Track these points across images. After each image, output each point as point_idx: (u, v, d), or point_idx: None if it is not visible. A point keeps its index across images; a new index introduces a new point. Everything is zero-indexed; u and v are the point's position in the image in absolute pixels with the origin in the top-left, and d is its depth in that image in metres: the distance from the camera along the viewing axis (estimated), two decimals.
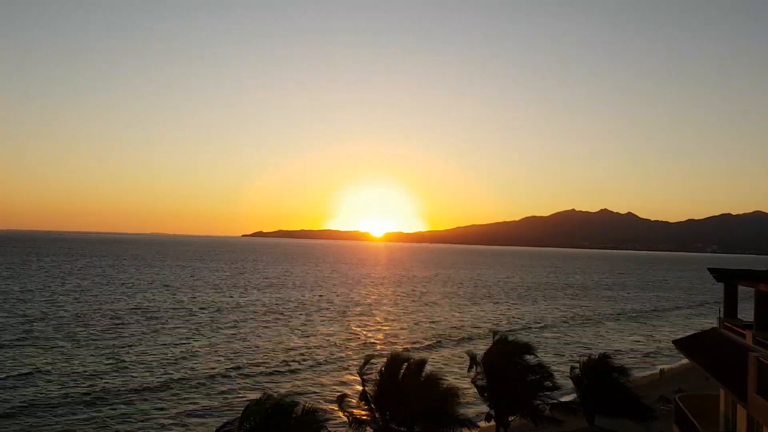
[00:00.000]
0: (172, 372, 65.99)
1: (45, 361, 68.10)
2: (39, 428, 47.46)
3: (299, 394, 57.10)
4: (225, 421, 26.69)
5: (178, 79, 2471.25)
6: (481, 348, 50.76)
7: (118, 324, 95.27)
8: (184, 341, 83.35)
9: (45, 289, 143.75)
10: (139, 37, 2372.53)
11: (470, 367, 41.71)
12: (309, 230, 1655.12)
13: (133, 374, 64.31)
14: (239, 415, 25.00)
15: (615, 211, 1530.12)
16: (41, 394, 55.79)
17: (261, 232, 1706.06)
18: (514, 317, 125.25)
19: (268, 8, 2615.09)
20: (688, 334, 39.89)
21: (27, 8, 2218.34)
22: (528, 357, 42.37)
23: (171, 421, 50.89)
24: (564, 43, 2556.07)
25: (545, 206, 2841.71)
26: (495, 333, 44.26)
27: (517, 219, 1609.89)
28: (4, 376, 61.09)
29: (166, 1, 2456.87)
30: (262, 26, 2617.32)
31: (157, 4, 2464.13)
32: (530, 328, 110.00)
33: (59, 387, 58.09)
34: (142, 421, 50.50)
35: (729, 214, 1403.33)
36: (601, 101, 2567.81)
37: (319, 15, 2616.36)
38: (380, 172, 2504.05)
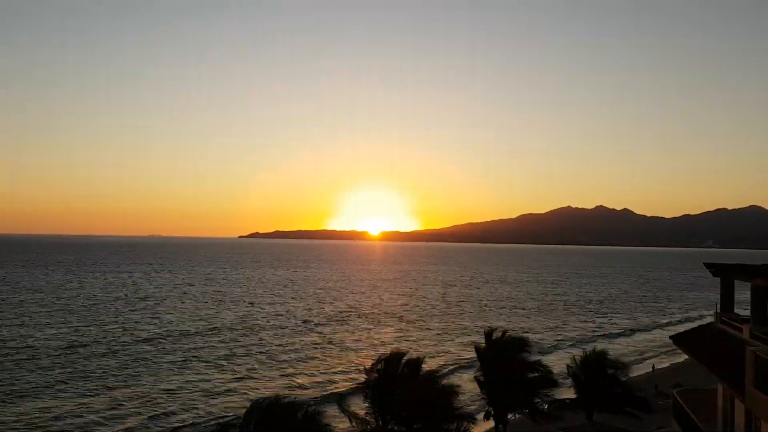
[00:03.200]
0: (173, 370, 66.12)
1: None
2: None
3: (300, 392, 57.20)
4: (226, 419, 26.62)
5: (174, 80, 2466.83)
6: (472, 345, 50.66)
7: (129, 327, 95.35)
8: (188, 339, 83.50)
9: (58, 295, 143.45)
10: (138, 39, 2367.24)
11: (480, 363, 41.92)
12: (306, 230, 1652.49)
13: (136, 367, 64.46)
14: (236, 413, 25.01)
15: (611, 207, 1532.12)
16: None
17: (257, 233, 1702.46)
18: (510, 313, 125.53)
19: (266, 9, 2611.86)
20: (685, 329, 39.96)
21: (27, 8, 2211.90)
22: (525, 354, 42.42)
23: (172, 416, 51.04)
24: (558, 40, 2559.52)
25: (541, 203, 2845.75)
26: (491, 330, 44.29)
27: (513, 216, 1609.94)
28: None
29: (166, 2, 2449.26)
30: (257, 28, 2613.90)
31: (158, 6, 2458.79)
32: (527, 324, 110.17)
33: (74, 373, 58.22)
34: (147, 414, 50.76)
35: (725, 208, 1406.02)
36: (595, 97, 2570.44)
37: (316, 16, 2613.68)
38: (376, 171, 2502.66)
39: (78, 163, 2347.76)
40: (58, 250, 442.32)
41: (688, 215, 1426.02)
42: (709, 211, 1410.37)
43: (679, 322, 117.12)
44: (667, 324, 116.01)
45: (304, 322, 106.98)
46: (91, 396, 57.06)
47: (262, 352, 79.12)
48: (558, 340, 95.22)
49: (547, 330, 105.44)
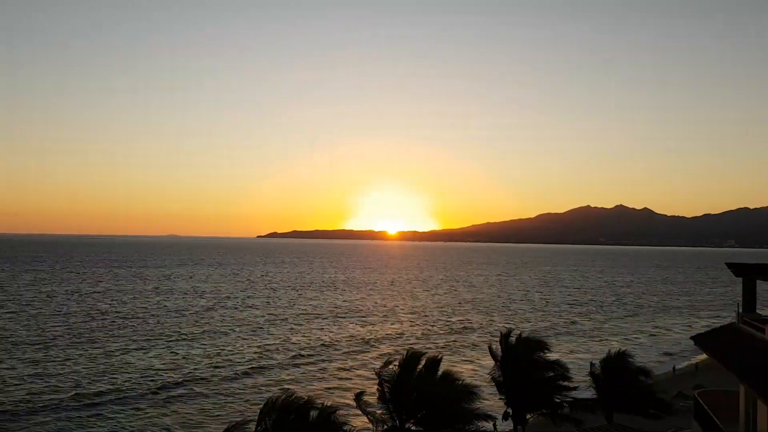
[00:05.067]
0: (191, 369, 66.55)
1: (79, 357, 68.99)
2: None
3: (317, 391, 57.39)
4: (240, 419, 26.75)
5: (189, 80, 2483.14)
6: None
7: (138, 324, 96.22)
8: (203, 338, 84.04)
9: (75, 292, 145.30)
10: (146, 39, 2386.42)
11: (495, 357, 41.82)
12: (323, 230, 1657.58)
13: (154, 370, 64.96)
14: (256, 413, 25.15)
15: (631, 206, 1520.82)
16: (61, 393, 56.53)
17: (275, 232, 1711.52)
18: (529, 314, 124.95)
19: (281, 9, 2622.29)
20: (706, 329, 39.53)
21: (28, 8, 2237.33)
22: (544, 354, 42.22)
23: (187, 419, 51.35)
24: (576, 38, 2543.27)
25: (560, 203, 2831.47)
26: (510, 330, 44.15)
27: (532, 216, 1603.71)
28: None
29: (173, 1, 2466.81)
30: (272, 26, 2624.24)
31: (164, 5, 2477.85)
32: (547, 325, 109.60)
33: (82, 382, 58.83)
34: (158, 417, 51.12)
35: (746, 208, 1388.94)
36: (615, 97, 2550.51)
37: (332, 16, 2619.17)
38: (394, 171, 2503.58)
39: (99, 164, 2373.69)
40: (87, 251, 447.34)
41: (709, 215, 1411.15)
42: (731, 211, 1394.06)
43: (701, 322, 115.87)
44: (688, 324, 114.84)
45: (322, 320, 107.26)
46: (101, 392, 57.68)
47: (278, 350, 79.45)
48: (578, 340, 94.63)
49: (566, 330, 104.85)
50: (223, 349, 79.65)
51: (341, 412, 28.07)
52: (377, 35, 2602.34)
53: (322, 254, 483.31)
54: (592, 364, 46.14)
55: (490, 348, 43.51)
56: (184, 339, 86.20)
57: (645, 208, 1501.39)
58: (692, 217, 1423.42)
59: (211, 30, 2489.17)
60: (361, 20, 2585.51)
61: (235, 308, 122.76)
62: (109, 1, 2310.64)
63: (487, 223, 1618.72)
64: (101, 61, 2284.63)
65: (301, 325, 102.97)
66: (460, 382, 35.95)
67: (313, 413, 25.63)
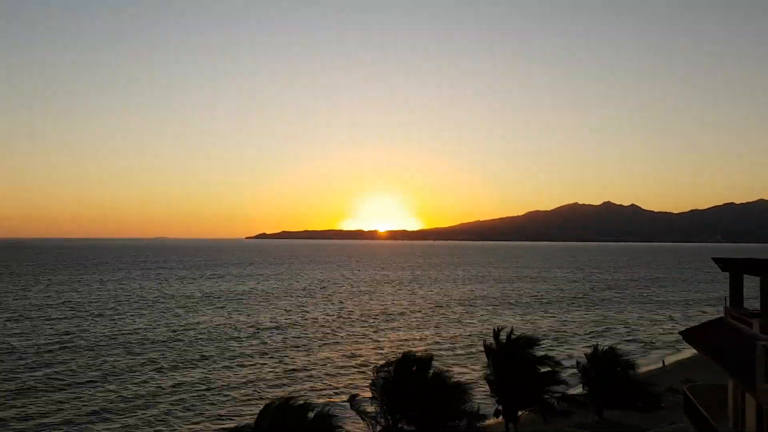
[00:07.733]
0: (186, 371, 66.32)
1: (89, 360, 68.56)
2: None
3: (313, 393, 57.31)
4: (238, 421, 26.73)
5: (182, 83, 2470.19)
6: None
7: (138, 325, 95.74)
8: (202, 337, 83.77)
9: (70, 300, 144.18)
10: (143, 40, 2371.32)
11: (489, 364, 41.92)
12: (313, 230, 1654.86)
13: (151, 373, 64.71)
14: (248, 414, 25.14)
15: (618, 203, 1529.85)
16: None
17: (264, 234, 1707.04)
18: (520, 310, 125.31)
19: (279, 16, 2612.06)
20: (694, 324, 39.80)
21: (30, 8, 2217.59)
22: (534, 350, 42.38)
23: (186, 421, 51.11)
24: (562, 37, 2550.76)
25: (548, 200, 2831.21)
26: (500, 328, 44.28)
27: (520, 214, 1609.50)
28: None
29: (174, 2, 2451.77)
30: (268, 33, 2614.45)
31: (164, 5, 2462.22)
32: (537, 321, 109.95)
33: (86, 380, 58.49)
34: (160, 420, 50.88)
35: (732, 203, 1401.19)
36: (601, 94, 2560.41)
37: (328, 25, 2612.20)
38: (383, 171, 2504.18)
39: (82, 166, 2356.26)
40: (67, 255, 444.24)
41: (696, 210, 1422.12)
42: (717, 206, 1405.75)
43: (689, 317, 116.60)
44: (677, 319, 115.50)
45: (315, 321, 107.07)
46: (98, 397, 57.34)
47: (272, 353, 79.23)
48: (567, 336, 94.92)
49: (556, 326, 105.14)
50: (214, 351, 79.40)
51: (336, 413, 28.14)
52: (358, 40, 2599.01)
53: (318, 255, 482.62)
54: (578, 362, 46.36)
55: (484, 344, 43.62)
56: (174, 342, 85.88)
57: (632, 205, 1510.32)
58: (679, 213, 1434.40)
59: (207, 33, 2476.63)
60: (352, 32, 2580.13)
61: (227, 311, 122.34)
62: (110, 1, 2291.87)
63: (476, 221, 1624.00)
64: (92, 63, 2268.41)
65: (295, 327, 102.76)
66: (452, 380, 36.07)
67: (310, 414, 25.66)
